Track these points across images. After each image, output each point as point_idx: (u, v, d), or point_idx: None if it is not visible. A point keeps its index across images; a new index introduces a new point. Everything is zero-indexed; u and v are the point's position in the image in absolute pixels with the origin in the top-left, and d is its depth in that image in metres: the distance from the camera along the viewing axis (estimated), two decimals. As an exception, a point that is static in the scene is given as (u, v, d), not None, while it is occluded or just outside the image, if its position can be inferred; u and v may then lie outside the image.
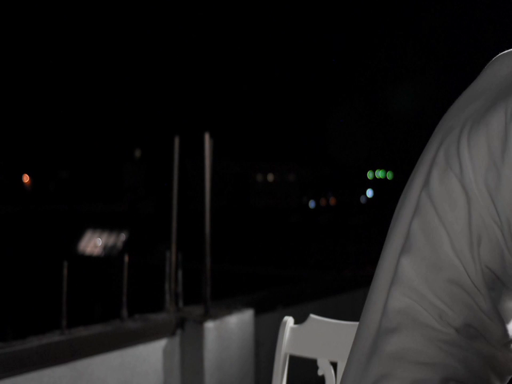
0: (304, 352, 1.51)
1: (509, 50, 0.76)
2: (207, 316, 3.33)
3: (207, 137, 3.52)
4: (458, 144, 0.69)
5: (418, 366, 0.66)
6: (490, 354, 0.68)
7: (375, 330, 0.71)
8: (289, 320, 1.53)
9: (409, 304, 0.69)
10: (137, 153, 53.95)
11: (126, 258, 3.19)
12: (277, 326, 1.55)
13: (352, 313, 4.82)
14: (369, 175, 67.40)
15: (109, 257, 27.13)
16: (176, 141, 3.52)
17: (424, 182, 0.72)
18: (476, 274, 0.68)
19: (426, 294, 0.68)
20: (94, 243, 32.87)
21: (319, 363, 1.48)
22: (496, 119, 0.67)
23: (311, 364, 1.51)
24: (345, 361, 1.46)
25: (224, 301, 3.69)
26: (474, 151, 0.67)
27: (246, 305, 3.59)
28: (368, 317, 0.73)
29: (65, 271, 2.89)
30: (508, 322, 0.70)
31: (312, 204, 60.30)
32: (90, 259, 26.58)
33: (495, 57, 0.77)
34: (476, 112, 0.70)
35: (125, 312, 3.15)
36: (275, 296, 4.34)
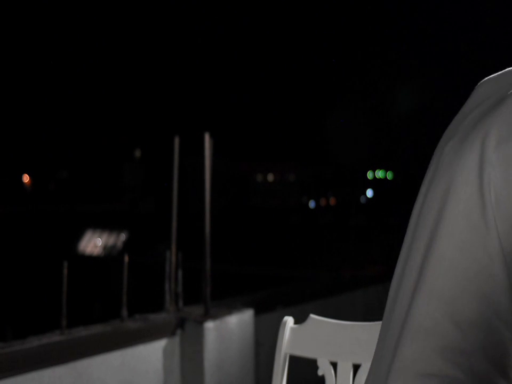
0: (304, 352, 1.51)
1: (491, 76, 0.79)
2: (207, 315, 3.33)
3: (207, 137, 3.52)
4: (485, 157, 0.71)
5: (424, 378, 0.67)
6: (492, 375, 0.68)
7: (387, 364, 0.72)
8: (289, 320, 1.53)
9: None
10: (137, 153, 53.96)
11: (126, 258, 3.19)
12: (277, 326, 1.55)
13: (352, 313, 4.82)
14: (369, 175, 67.35)
15: (109, 257, 27.13)
16: (176, 141, 3.52)
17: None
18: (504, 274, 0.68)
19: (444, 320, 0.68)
20: (94, 243, 32.88)
21: (319, 363, 1.48)
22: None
23: (311, 364, 1.51)
24: (345, 361, 1.46)
25: (224, 301, 3.69)
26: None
27: (246, 305, 3.58)
28: (380, 349, 0.74)
29: (65, 271, 2.89)
30: None
31: (312, 204, 60.28)
32: (90, 259, 26.58)
33: (480, 82, 0.80)
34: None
35: (125, 312, 3.15)
36: (275, 296, 4.34)
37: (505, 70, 0.79)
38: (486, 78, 0.80)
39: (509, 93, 0.72)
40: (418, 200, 0.76)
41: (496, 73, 0.80)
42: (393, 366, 0.69)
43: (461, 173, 0.70)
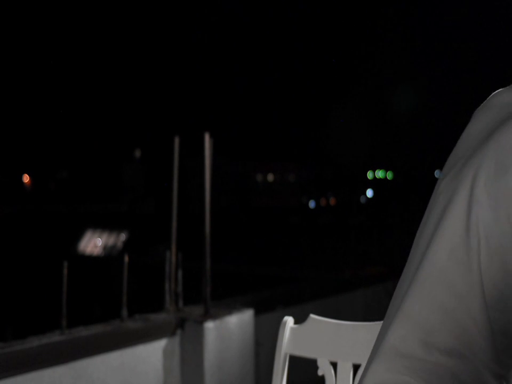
0: (304, 352, 1.51)
1: (488, 100, 0.80)
2: (207, 315, 3.33)
3: (207, 137, 3.53)
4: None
5: None
6: (473, 378, 0.69)
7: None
8: (289, 320, 1.53)
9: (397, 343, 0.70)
10: (137, 153, 53.94)
11: (126, 258, 3.19)
12: (277, 326, 1.55)
13: (352, 313, 4.83)
14: (369, 175, 67.38)
15: (109, 257, 27.14)
16: (176, 141, 3.52)
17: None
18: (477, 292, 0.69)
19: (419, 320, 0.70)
20: (94, 243, 32.88)
21: (319, 363, 1.48)
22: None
23: (311, 364, 1.51)
24: (345, 361, 1.46)
25: (224, 301, 3.69)
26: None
27: (246, 305, 3.58)
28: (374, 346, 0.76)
29: (65, 271, 2.89)
30: (501, 351, 0.70)
31: (312, 204, 60.30)
32: (90, 259, 26.60)
33: (477, 108, 0.81)
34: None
35: (125, 312, 3.15)
36: (275, 296, 4.35)
37: (498, 94, 0.79)
38: (483, 105, 0.81)
39: (499, 125, 0.73)
40: (419, 229, 0.78)
41: (492, 97, 0.80)
42: (363, 380, 0.72)
43: (450, 210, 0.72)
